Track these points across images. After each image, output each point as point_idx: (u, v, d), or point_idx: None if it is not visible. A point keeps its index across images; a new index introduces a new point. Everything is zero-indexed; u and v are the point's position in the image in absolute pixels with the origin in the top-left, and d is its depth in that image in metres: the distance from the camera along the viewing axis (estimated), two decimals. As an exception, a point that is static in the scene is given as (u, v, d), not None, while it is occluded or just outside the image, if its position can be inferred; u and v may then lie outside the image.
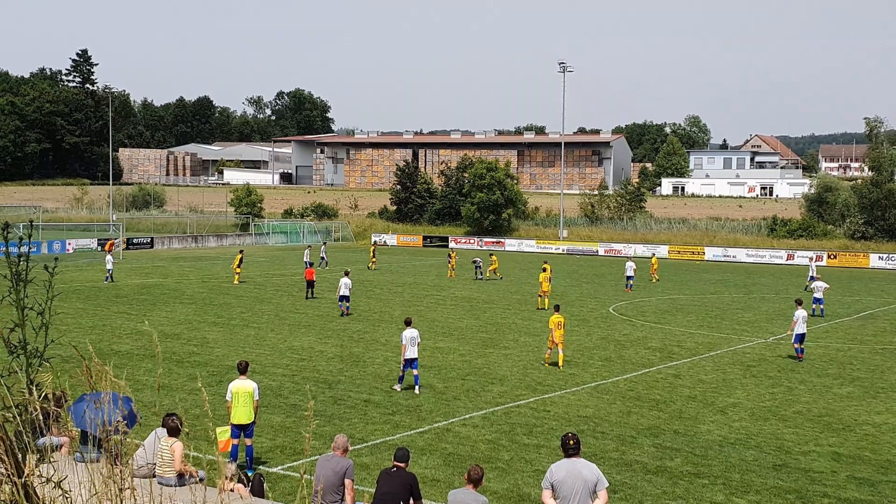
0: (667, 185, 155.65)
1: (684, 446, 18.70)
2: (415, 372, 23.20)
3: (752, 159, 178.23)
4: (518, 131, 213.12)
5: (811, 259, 59.50)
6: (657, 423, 20.53)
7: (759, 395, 23.82)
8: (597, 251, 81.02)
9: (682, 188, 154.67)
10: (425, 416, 20.77)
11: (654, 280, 54.77)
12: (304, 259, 53.83)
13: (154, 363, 25.92)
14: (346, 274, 38.42)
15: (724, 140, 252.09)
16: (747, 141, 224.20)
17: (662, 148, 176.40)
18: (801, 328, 28.60)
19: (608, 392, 23.77)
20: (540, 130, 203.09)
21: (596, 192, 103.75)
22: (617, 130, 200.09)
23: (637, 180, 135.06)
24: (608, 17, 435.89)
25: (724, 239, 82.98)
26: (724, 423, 20.69)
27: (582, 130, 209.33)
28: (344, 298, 37.27)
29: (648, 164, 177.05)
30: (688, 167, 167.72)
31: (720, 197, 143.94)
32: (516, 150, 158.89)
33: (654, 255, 62.36)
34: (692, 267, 69.26)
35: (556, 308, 28.74)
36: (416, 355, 23.12)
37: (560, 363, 26.73)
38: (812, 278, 50.46)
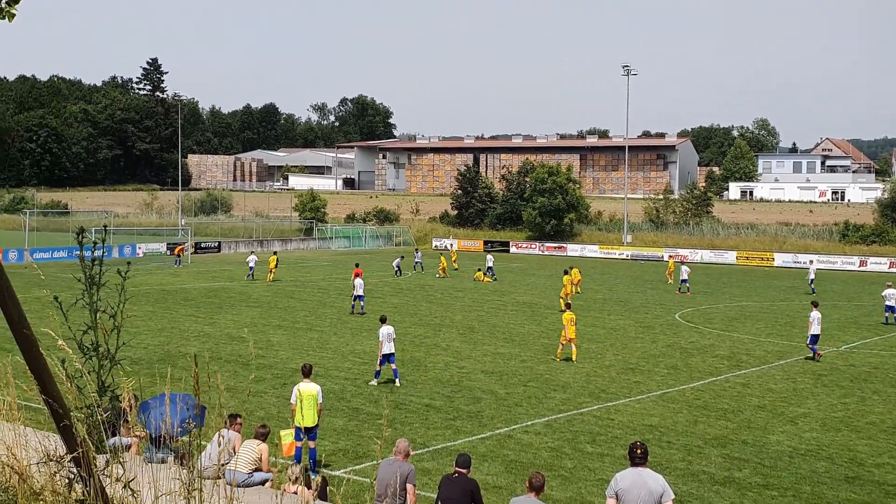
0: (734, 189, 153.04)
1: (753, 457, 18.33)
2: (392, 366, 24.42)
3: (822, 163, 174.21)
4: (581, 135, 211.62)
5: (811, 262, 60.70)
6: (725, 433, 20.17)
7: (831, 405, 23.25)
8: (662, 257, 79.96)
9: (751, 193, 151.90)
10: (486, 422, 20.71)
11: (669, 282, 56.00)
12: (394, 264, 58.30)
13: (220, 366, 26.30)
14: (358, 275, 40.76)
15: (794, 143, 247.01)
16: (818, 144, 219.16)
17: (730, 152, 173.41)
18: (815, 329, 29.59)
19: (674, 401, 23.43)
20: (603, 134, 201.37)
21: (661, 197, 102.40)
22: (683, 134, 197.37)
23: (704, 184, 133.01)
24: (673, 19, 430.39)
25: (794, 245, 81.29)
26: (794, 434, 20.23)
27: (647, 134, 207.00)
28: (359, 298, 39.10)
29: (715, 168, 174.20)
30: (756, 171, 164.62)
31: (790, 202, 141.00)
32: (579, 154, 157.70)
33: (671, 257, 67.28)
34: (761, 273, 67.97)
35: (568, 306, 30.58)
36: (392, 350, 24.32)
37: (574, 357, 28.38)
38: (811, 281, 53.37)
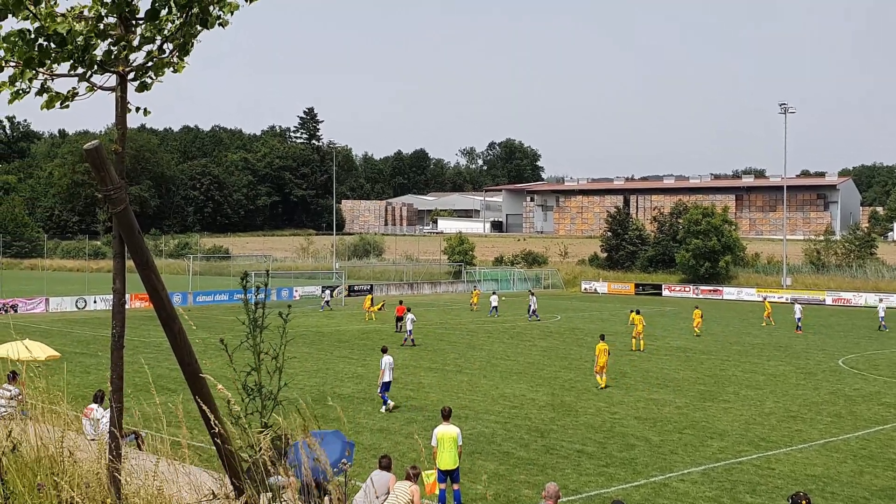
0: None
1: (928, 514, 17.17)
2: (386, 394, 26.51)
3: None
4: (736, 175, 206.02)
5: (880, 300, 61.04)
6: (893, 485, 19.04)
7: None
8: (823, 300, 76.53)
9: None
10: (641, 469, 20.23)
11: (766, 324, 56.21)
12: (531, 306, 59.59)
13: (373, 406, 26.80)
14: (409, 310, 44.82)
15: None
16: None
17: (894, 191, 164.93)
18: None
19: (838, 450, 22.28)
20: (759, 174, 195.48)
21: (822, 238, 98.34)
22: (844, 173, 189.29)
23: (867, 225, 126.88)
24: (830, 55, 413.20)
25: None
26: (974, 490, 18.83)
27: (805, 173, 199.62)
28: (409, 331, 43.34)
29: (879, 209, 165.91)
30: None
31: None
32: (734, 195, 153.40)
33: (765, 298, 69.16)
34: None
35: (602, 337, 33.39)
36: (391, 378, 26.58)
37: (602, 385, 30.66)
38: (882, 319, 54.39)
